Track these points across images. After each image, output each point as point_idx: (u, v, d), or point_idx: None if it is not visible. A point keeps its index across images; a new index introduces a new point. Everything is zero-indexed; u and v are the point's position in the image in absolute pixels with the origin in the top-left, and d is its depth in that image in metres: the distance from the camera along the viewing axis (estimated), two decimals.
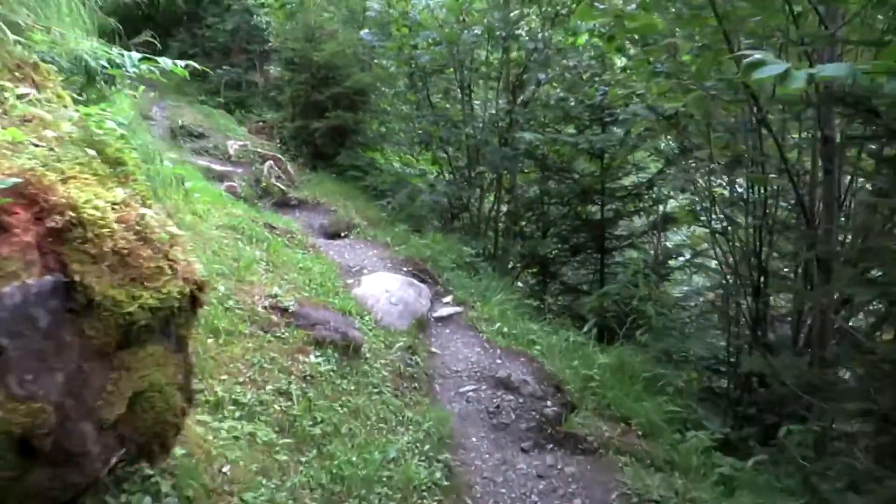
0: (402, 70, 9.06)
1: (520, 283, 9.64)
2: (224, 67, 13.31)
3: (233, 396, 3.12)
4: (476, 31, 8.00)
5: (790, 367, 4.21)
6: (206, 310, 3.64)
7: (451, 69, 8.81)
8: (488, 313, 6.11)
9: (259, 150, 9.70)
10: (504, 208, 9.14)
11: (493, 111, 9.00)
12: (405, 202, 8.85)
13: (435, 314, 6.02)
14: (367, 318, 5.13)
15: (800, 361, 4.41)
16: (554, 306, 7.41)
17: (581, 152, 8.36)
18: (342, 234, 7.78)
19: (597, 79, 7.36)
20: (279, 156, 9.52)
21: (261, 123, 11.11)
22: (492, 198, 9.16)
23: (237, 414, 3.03)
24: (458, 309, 6.17)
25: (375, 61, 9.98)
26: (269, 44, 10.75)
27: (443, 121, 8.93)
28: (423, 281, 6.53)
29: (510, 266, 8.82)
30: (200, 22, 14.66)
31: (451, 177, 9.22)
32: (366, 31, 8.78)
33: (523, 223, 9.17)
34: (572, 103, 7.77)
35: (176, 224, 3.68)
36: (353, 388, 3.89)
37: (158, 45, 4.71)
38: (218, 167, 9.03)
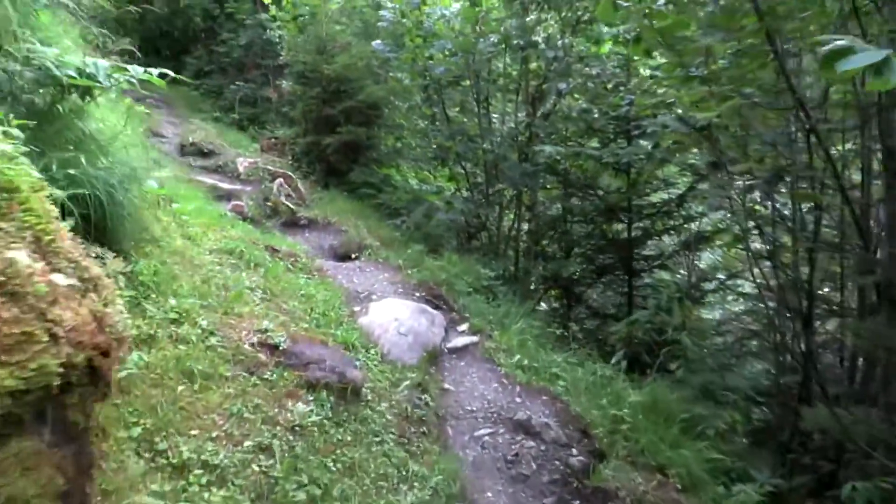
0: (417, 82, 8.64)
1: (543, 305, 9.13)
2: (237, 83, 13.07)
3: (202, 457, 2.65)
4: (492, 40, 7.56)
5: (860, 423, 3.64)
6: (181, 350, 3.21)
7: (468, 81, 8.37)
8: (507, 343, 5.60)
9: (269, 167, 9.34)
10: (525, 227, 8.65)
11: (512, 124, 8.54)
12: (421, 221, 8.40)
13: (449, 345, 5.53)
14: (372, 351, 4.67)
15: (868, 414, 3.82)
16: (579, 334, 6.88)
17: (606, 167, 7.86)
18: (353, 256, 7.34)
19: (622, 88, 6.86)
20: (290, 173, 9.14)
21: (273, 140, 10.76)
22: (511, 216, 8.67)
23: (204, 479, 2.56)
24: (475, 338, 5.68)
25: (391, 74, 9.59)
26: (282, 58, 10.41)
27: (459, 135, 8.48)
28: (436, 307, 6.06)
29: (531, 289, 8.30)
30: (216, 38, 14.50)
31: (469, 194, 8.76)
32: (378, 41, 8.38)
33: (545, 243, 8.66)
34: (595, 115, 7.28)
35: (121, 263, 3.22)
36: (349, 438, 3.41)
37: (138, 53, 4.30)
38: (226, 185, 8.68)
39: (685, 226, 7.79)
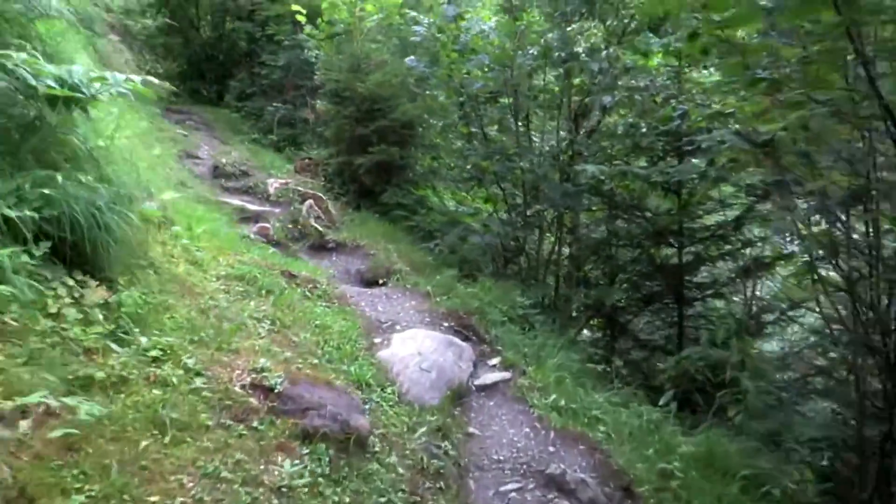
0: (453, 100, 8.24)
1: (585, 333, 8.54)
2: (274, 105, 12.93)
3: None
4: (532, 52, 7.09)
5: None
6: (156, 394, 2.79)
7: (506, 98, 7.93)
8: (542, 381, 5.07)
9: (300, 188, 9.05)
10: (566, 251, 8.09)
11: (554, 143, 8.04)
12: (455, 244, 7.96)
13: (477, 381, 5.02)
14: (388, 390, 4.20)
15: None
16: (623, 369, 6.26)
17: (654, 187, 7.27)
18: (380, 282, 6.92)
19: (672, 102, 6.27)
20: (320, 194, 8.82)
21: (307, 160, 10.51)
22: (552, 239, 8.14)
23: None
24: (507, 375, 5.16)
25: (427, 92, 9.23)
26: (316, 78, 10.17)
27: (497, 154, 8.01)
28: (466, 338, 5.58)
29: (572, 317, 7.72)
30: (258, 61, 14.48)
31: (507, 216, 8.26)
32: (412, 57, 8.02)
33: (588, 268, 8.09)
34: (644, 129, 6.70)
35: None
36: (348, 500, 2.92)
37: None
38: (253, 207, 8.41)
39: (742, 251, 7.10)
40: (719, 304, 7.75)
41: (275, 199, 8.92)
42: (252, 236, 7.11)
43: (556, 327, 6.70)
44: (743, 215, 6.84)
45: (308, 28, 9.45)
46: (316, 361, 4.05)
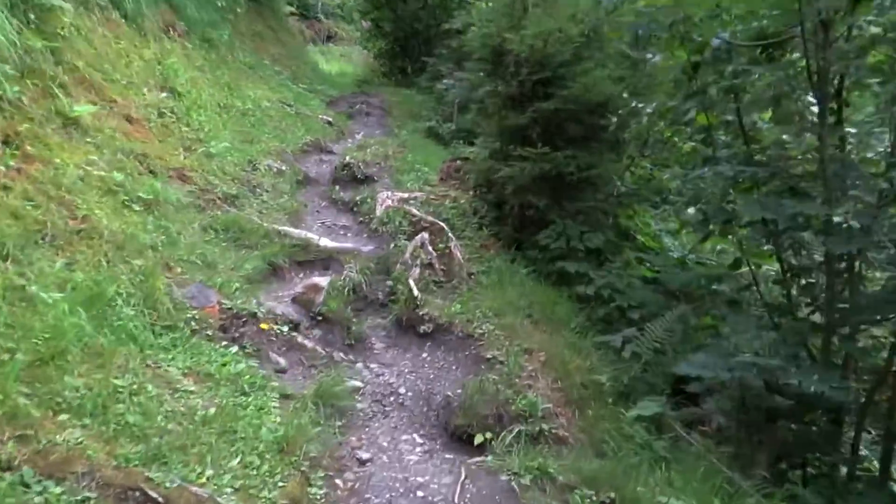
0: (679, 60, 4.17)
1: None
2: (445, 83, 9.76)
3: None
4: None
5: None
6: None
7: (797, 52, 3.66)
8: None
9: (415, 210, 5.64)
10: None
11: None
12: (663, 339, 4.02)
13: None
14: None
15: None
16: None
17: None
18: (476, 441, 3.28)
19: None
20: (442, 224, 5.32)
21: (457, 162, 7.03)
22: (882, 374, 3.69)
23: None
24: None
25: (649, 56, 5.24)
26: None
27: (770, 173, 3.78)
28: None
29: None
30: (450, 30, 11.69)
31: (785, 301, 4.00)
32: None
33: None
34: None
35: None
36: None
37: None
38: (328, 244, 5.21)
39: None
40: None
41: (376, 227, 5.66)
42: (271, 312, 3.88)
43: None
44: None
45: None
46: None
